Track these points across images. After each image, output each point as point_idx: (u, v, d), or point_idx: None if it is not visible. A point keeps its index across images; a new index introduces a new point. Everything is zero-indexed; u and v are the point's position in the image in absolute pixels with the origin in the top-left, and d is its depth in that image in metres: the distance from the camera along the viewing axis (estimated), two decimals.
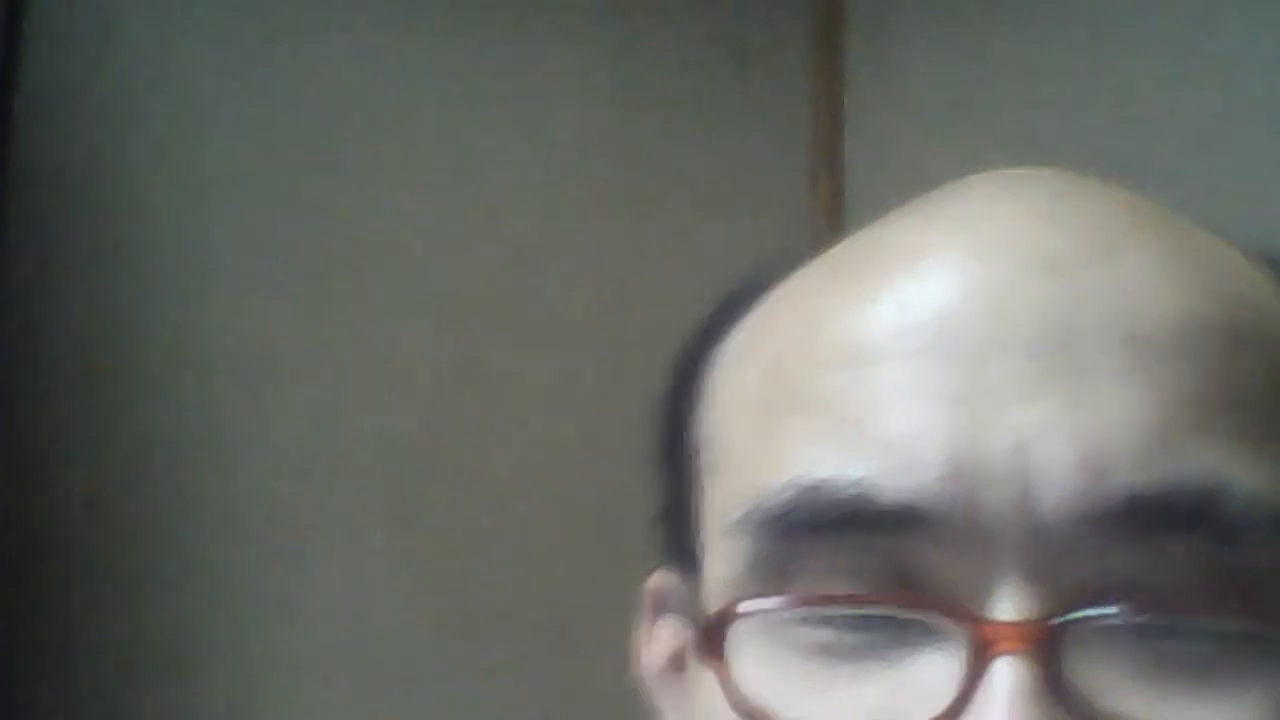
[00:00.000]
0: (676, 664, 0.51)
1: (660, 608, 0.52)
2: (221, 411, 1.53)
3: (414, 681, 1.55)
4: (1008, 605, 0.38)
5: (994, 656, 0.37)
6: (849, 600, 0.40)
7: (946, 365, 0.40)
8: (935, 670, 0.39)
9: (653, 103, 1.76)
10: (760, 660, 0.41)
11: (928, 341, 0.40)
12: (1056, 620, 0.38)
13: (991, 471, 0.39)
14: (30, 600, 1.44)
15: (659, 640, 0.52)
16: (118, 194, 1.52)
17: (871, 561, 0.40)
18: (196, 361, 1.52)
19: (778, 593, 0.41)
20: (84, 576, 1.46)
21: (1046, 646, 0.37)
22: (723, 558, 0.43)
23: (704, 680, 0.43)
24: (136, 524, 1.48)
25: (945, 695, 0.38)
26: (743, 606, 0.41)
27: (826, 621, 0.40)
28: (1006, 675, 0.37)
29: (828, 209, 1.77)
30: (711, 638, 0.42)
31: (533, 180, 1.69)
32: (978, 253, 0.41)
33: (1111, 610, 0.38)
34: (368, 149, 1.62)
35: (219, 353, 1.53)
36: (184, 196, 1.54)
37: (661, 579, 0.52)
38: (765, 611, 0.41)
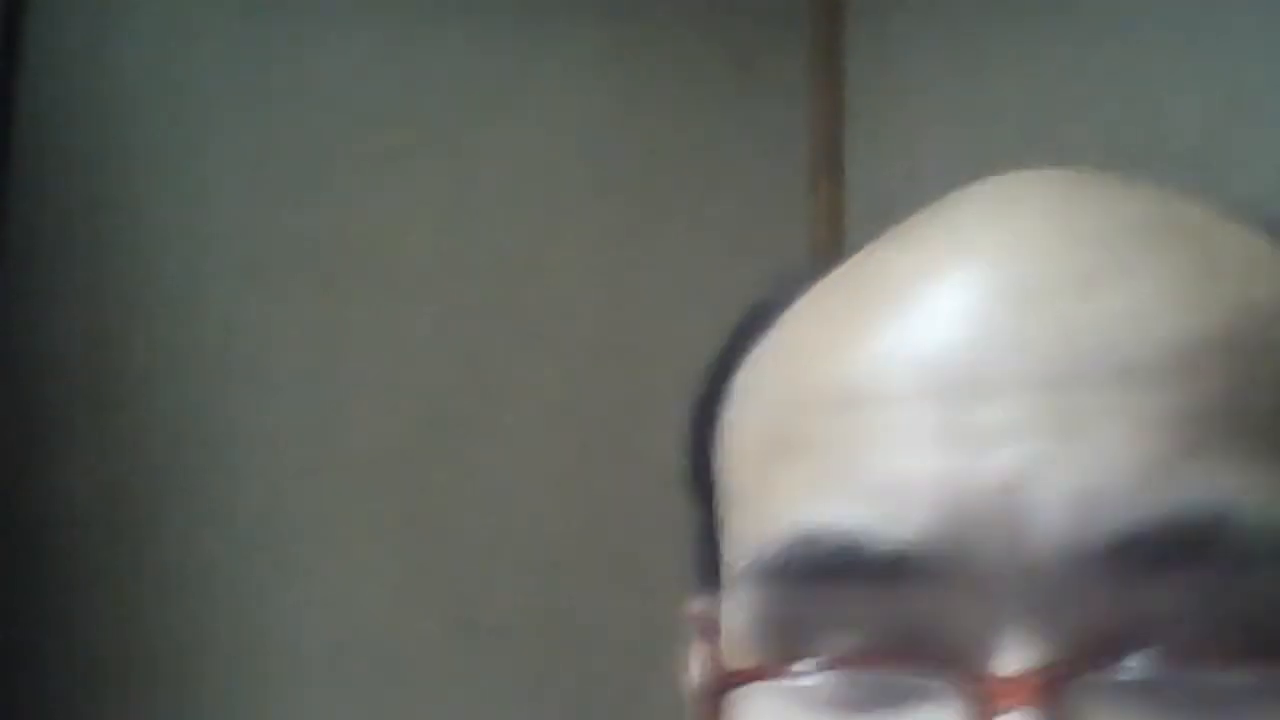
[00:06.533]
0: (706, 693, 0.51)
1: (702, 632, 0.51)
2: (221, 411, 1.53)
3: (415, 684, 1.55)
4: (1009, 656, 0.37)
5: (996, 713, 0.36)
6: (841, 665, 0.39)
7: (935, 407, 0.39)
8: None
9: (652, 106, 1.76)
10: (766, 713, 0.41)
11: (915, 383, 0.39)
12: (1058, 674, 0.36)
13: (979, 515, 0.37)
14: (30, 601, 1.44)
15: (695, 666, 0.51)
16: (118, 193, 1.52)
17: (871, 612, 0.39)
18: (197, 361, 1.52)
19: (778, 650, 0.40)
20: (84, 576, 1.45)
21: (1050, 698, 0.36)
22: (730, 610, 0.43)
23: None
24: (137, 524, 1.48)
25: None
26: (737, 681, 0.41)
27: (830, 674, 0.40)
28: None
29: (828, 212, 1.77)
30: (714, 701, 0.41)
31: (532, 182, 1.69)
32: (964, 286, 0.40)
33: (1114, 661, 0.37)
34: (368, 150, 1.62)
35: (219, 352, 1.53)
36: (184, 196, 1.54)
37: (701, 603, 0.50)
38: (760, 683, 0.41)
